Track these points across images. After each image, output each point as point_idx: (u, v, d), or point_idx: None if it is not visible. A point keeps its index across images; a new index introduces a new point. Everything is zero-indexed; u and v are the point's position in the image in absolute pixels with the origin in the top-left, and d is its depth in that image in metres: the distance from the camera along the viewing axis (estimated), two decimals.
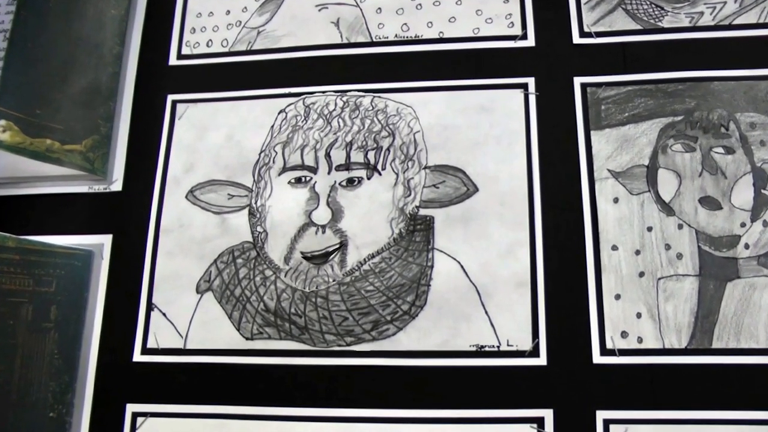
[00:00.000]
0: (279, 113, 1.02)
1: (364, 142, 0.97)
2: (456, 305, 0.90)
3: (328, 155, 0.96)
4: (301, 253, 0.94)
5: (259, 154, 1.00)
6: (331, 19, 1.06)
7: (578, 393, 0.85)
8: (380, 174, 0.96)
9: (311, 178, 0.97)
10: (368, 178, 0.95)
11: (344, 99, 1.00)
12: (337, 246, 0.93)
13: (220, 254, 0.97)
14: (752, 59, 0.94)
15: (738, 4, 0.97)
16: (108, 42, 1.05)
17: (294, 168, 0.97)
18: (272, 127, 1.01)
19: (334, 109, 0.99)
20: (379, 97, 1.00)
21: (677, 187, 0.91)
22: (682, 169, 0.91)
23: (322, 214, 0.94)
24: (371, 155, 0.96)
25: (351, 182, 0.96)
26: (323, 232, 0.94)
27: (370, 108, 0.99)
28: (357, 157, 0.96)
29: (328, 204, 0.95)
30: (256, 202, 0.98)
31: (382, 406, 0.88)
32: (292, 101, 1.02)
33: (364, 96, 1.00)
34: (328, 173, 0.96)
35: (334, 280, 0.92)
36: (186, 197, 1.01)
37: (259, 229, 0.97)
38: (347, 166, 0.96)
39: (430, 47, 1.02)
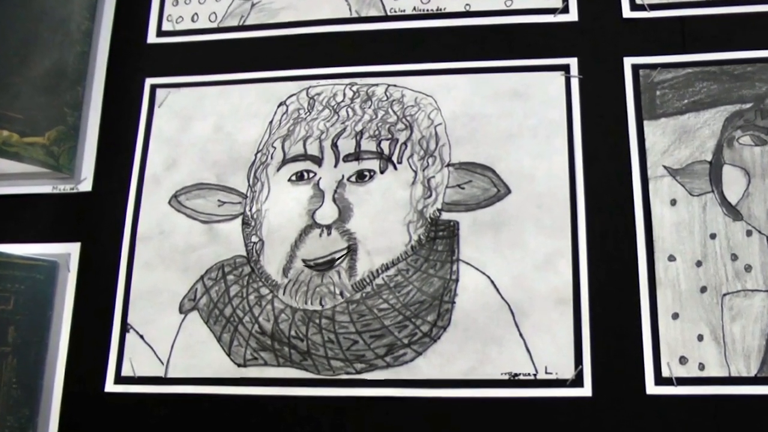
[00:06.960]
0: (278, 106, 0.99)
1: (377, 131, 0.94)
2: (485, 326, 0.87)
3: (334, 145, 0.94)
4: (303, 261, 0.91)
5: (255, 155, 0.97)
6: None
7: (629, 429, 0.82)
8: (395, 168, 0.93)
9: (315, 174, 0.94)
10: (381, 172, 0.93)
11: (354, 89, 0.98)
12: (345, 251, 0.90)
13: (208, 270, 0.94)
14: None
15: None
16: (75, 16, 1.03)
17: (295, 159, 0.95)
18: (270, 122, 0.98)
19: (343, 100, 0.97)
20: (395, 86, 0.97)
21: (745, 186, 0.88)
22: (751, 166, 0.89)
23: (327, 212, 0.91)
24: (385, 145, 0.93)
25: (361, 176, 0.93)
26: (328, 234, 0.91)
27: (384, 98, 0.96)
28: (368, 145, 0.94)
29: (334, 200, 0.92)
30: (250, 209, 0.95)
31: None
32: (294, 92, 0.99)
33: (377, 85, 0.97)
34: (335, 166, 0.93)
35: (341, 292, 0.89)
36: (169, 203, 0.98)
37: (254, 239, 0.94)
38: (357, 155, 0.93)
39: (455, 22, 0.99)
